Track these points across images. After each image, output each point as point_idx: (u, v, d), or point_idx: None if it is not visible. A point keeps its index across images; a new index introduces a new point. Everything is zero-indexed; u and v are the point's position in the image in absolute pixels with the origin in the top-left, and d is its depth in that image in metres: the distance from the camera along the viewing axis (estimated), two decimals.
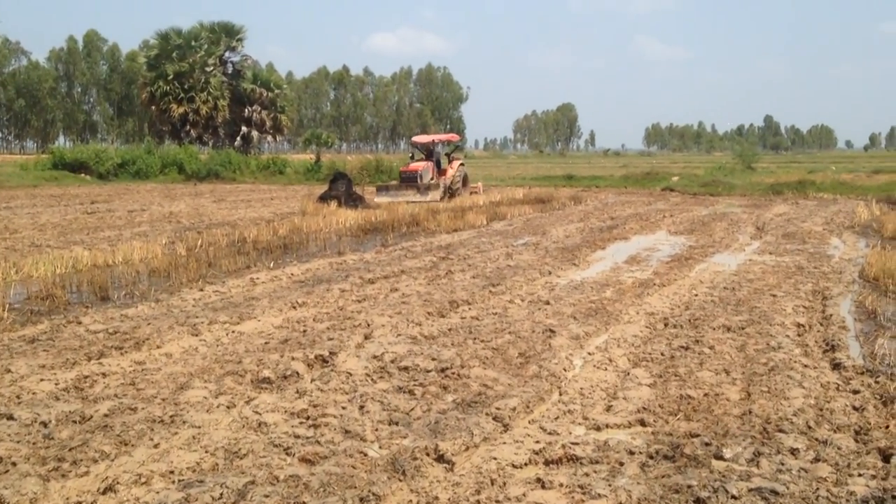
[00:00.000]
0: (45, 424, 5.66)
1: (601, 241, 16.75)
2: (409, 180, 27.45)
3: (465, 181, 29.89)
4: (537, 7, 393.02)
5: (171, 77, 52.43)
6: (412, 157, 30.13)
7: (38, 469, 4.89)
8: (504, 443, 5.46)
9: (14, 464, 4.97)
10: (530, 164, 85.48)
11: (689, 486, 4.70)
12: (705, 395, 6.44)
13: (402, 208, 23.03)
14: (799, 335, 8.59)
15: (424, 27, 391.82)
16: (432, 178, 27.93)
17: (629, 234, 18.47)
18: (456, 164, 29.38)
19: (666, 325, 9.13)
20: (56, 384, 6.61)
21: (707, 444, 5.33)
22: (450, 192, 28.41)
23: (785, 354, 7.60)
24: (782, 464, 5.02)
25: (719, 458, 5.14)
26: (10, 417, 5.74)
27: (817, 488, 4.70)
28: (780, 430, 5.58)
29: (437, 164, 29.09)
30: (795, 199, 30.78)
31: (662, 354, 7.75)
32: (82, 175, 41.36)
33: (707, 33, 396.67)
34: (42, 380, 6.69)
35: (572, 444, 5.37)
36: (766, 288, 11.26)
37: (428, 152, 29.45)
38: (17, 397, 6.26)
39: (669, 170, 51.17)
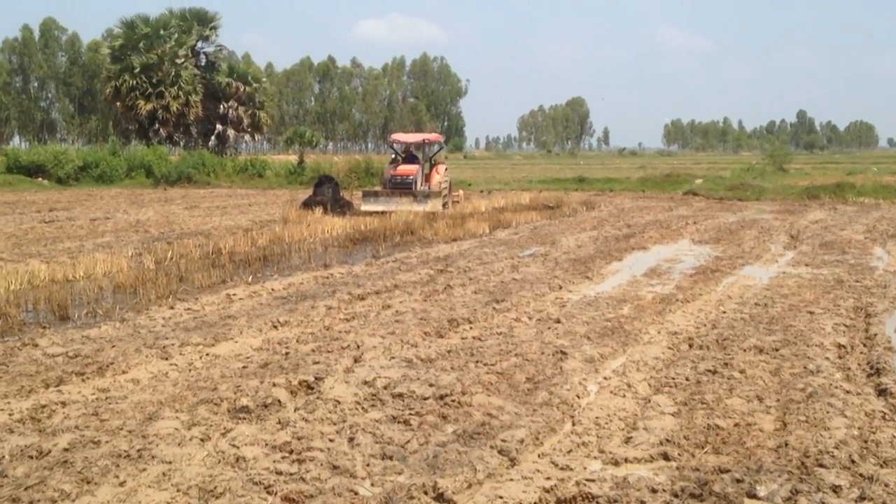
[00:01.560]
0: None
1: (617, 252, 16.75)
2: (402, 186, 26.41)
3: (450, 187, 29.04)
4: None
5: (137, 70, 52.36)
6: (394, 159, 28.93)
7: None
8: (511, 479, 5.44)
9: None
10: (537, 165, 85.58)
11: None
12: (736, 425, 6.41)
13: (395, 215, 22.98)
14: (840, 357, 8.57)
15: (418, 13, 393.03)
16: (423, 185, 27.11)
17: (648, 243, 18.48)
18: (442, 168, 28.59)
19: (691, 345, 9.11)
20: (10, 415, 6.58)
21: (738, 481, 5.31)
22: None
23: (824, 379, 7.58)
24: (823, 503, 4.99)
25: (752, 496, 5.12)
26: None
27: None
28: (820, 465, 5.56)
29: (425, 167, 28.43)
30: (833, 205, 30.82)
31: (687, 379, 7.73)
32: (39, 179, 41.35)
33: (732, 20, 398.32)
34: None
35: (587, 480, 5.35)
36: (802, 304, 11.25)
37: (409, 154, 28.38)
38: None
39: (692, 171, 51.21)
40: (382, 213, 24.14)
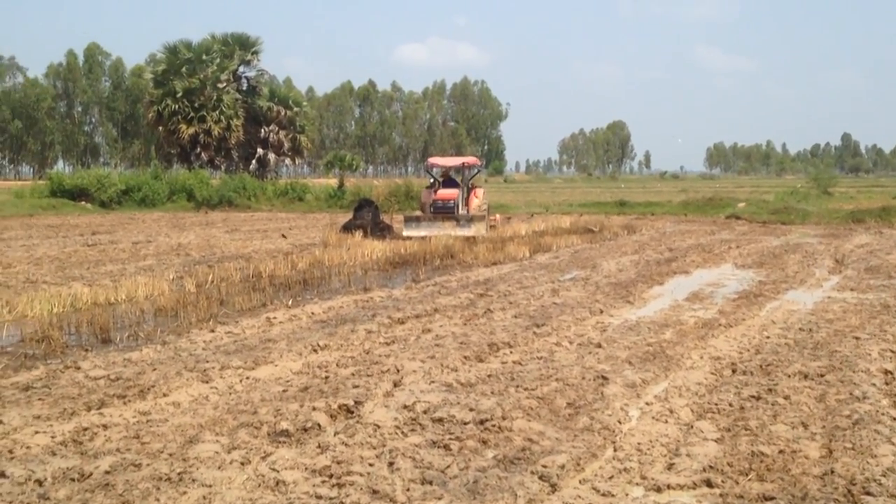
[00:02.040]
0: (40, 483, 5.69)
1: (659, 276, 16.66)
2: (444, 210, 26.43)
3: (488, 212, 28.90)
4: (583, 12, 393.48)
5: (179, 94, 53.11)
6: (432, 184, 28.76)
7: None
8: None
9: None
10: (577, 188, 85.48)
11: None
12: (780, 451, 6.34)
13: (435, 239, 23.02)
14: (886, 384, 8.45)
15: (457, 37, 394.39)
16: (463, 209, 26.99)
17: (690, 267, 18.36)
18: (480, 192, 28.35)
19: (734, 371, 9.03)
20: (52, 437, 6.65)
21: None
22: None
23: (871, 405, 7.47)
24: None
25: None
26: (2, 475, 5.77)
27: None
28: (868, 493, 5.48)
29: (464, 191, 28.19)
30: (879, 229, 30.45)
31: (731, 405, 7.66)
32: (83, 203, 41.96)
33: (775, 41, 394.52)
34: (37, 432, 6.74)
35: None
36: (847, 329, 11.12)
37: (447, 179, 28.28)
38: (10, 452, 6.31)
39: (735, 195, 50.86)
40: (424, 238, 24.06)
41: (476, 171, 31.54)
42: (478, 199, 27.58)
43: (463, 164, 28.70)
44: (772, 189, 62.44)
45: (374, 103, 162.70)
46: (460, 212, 26.40)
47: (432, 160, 30.79)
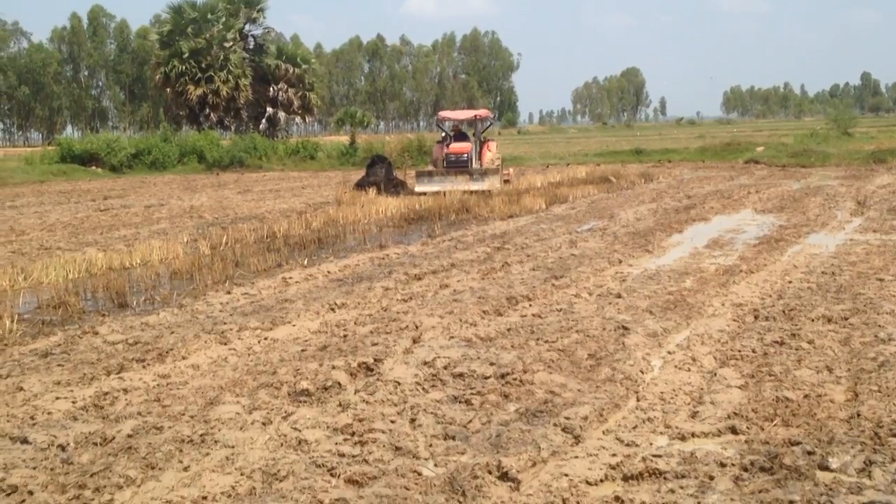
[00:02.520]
0: (63, 448, 5.75)
1: (677, 224, 16.61)
2: (458, 165, 26.07)
3: (501, 166, 28.26)
4: None
5: (186, 55, 52.93)
6: (444, 138, 28.28)
7: (57, 498, 4.97)
8: (576, 457, 5.43)
9: (31, 492, 5.05)
10: (593, 138, 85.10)
11: (791, 502, 4.63)
12: (805, 396, 6.34)
13: (450, 193, 22.95)
14: None
15: None
16: (477, 163, 26.59)
17: (709, 214, 18.30)
18: (493, 145, 28.00)
19: (756, 317, 9.01)
20: (73, 402, 6.71)
21: (810, 453, 5.25)
22: None
23: None
24: None
25: (825, 468, 5.07)
26: (25, 441, 5.83)
27: None
28: (895, 435, 5.48)
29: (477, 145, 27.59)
30: None
31: (754, 351, 7.66)
32: (93, 168, 42.00)
33: None
34: (58, 398, 6.80)
35: (654, 456, 5.33)
36: (871, 271, 11.07)
37: (458, 132, 27.98)
38: (32, 418, 6.37)
39: (753, 139, 50.49)
40: (437, 193, 23.88)
41: (489, 123, 31.02)
42: (491, 153, 27.16)
43: (475, 116, 28.30)
44: (791, 132, 61.95)
45: (384, 58, 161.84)
46: (473, 166, 26.11)
47: (443, 114, 30.48)
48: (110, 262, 13.48)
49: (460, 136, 27.55)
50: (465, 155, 26.24)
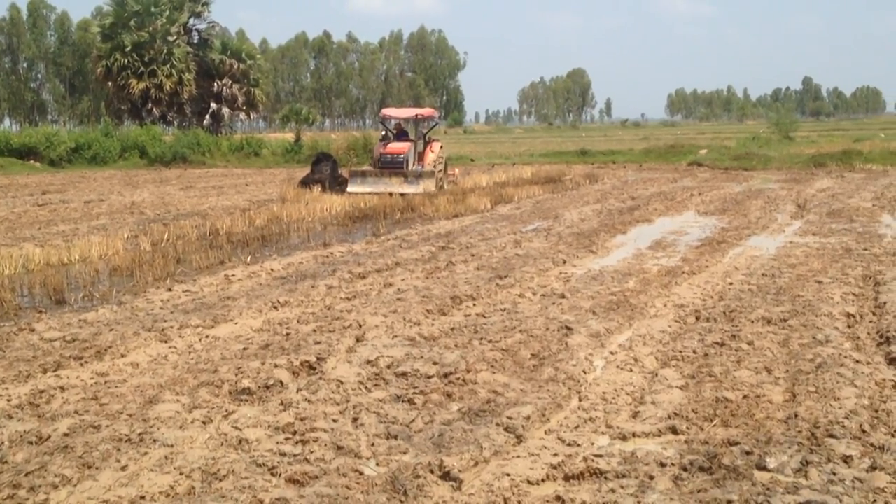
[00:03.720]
0: None
1: (621, 225, 16.75)
2: (392, 165, 24.97)
3: (445, 167, 27.32)
4: None
5: (129, 49, 52.18)
6: (384, 136, 27.28)
7: None
8: (518, 456, 5.46)
9: None
10: (538, 138, 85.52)
11: (729, 502, 4.70)
12: (744, 397, 6.43)
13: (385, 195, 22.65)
14: (849, 326, 8.59)
15: None
16: (416, 164, 25.66)
17: (653, 215, 18.49)
18: (437, 145, 26.90)
19: (698, 318, 9.12)
20: (8, 400, 6.60)
21: (748, 453, 5.33)
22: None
23: (834, 349, 7.60)
24: (834, 473, 5.02)
25: (762, 468, 5.14)
26: None
27: (874, 500, 4.70)
28: (831, 436, 5.58)
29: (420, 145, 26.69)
30: (840, 172, 30.84)
31: (695, 352, 7.75)
32: (31, 162, 41.28)
33: None
34: None
35: (595, 456, 5.37)
36: (810, 274, 11.26)
37: (401, 131, 27.16)
38: None
39: (696, 142, 51.03)
40: (369, 194, 23.06)
41: (434, 123, 30.53)
42: (434, 154, 26.32)
43: (417, 115, 27.62)
44: (733, 135, 62.80)
45: (330, 55, 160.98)
46: (411, 167, 25.15)
47: (385, 111, 29.50)
48: (48, 258, 13.26)
49: (402, 136, 26.91)
50: (401, 155, 25.17)
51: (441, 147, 27.34)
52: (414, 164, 25.52)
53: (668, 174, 32.25)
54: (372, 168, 25.91)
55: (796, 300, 9.66)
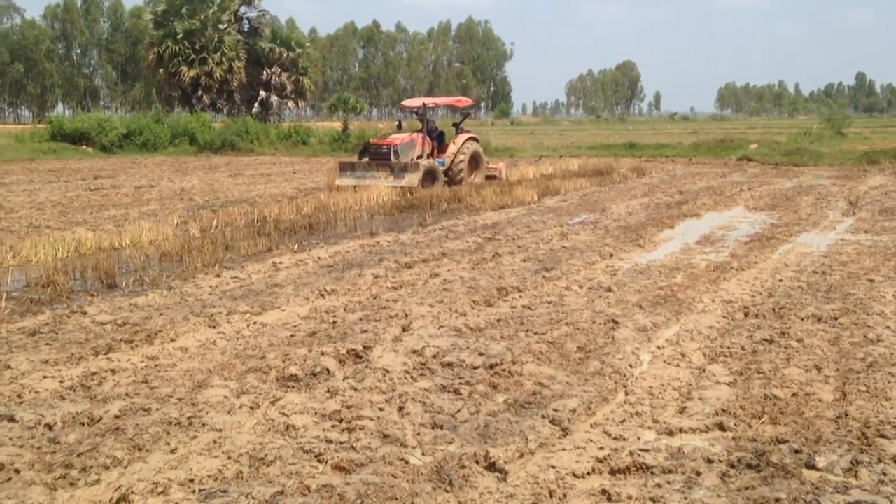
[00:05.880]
0: (50, 427, 5.75)
1: (669, 219, 16.63)
2: (380, 157, 23.12)
3: (475, 161, 25.00)
4: None
5: (180, 36, 52.67)
6: (399, 126, 26.34)
7: (43, 477, 4.97)
8: (563, 449, 5.45)
9: (17, 471, 5.04)
10: (586, 130, 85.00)
11: (777, 500, 4.66)
12: (794, 395, 6.37)
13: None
14: None
15: None
16: (421, 156, 23.49)
17: (701, 210, 18.32)
18: (462, 138, 24.66)
19: (746, 314, 9.04)
20: (61, 382, 6.70)
21: (797, 452, 5.28)
22: (448, 177, 23.96)
23: (885, 348, 7.49)
24: (885, 473, 4.95)
25: (811, 467, 5.09)
26: (12, 419, 5.83)
27: None
28: (882, 436, 5.50)
29: (437, 136, 24.80)
30: (894, 169, 30.31)
31: (743, 349, 7.69)
32: (84, 147, 41.86)
33: None
34: (45, 377, 6.80)
35: (641, 450, 5.35)
36: (861, 272, 11.11)
37: (422, 120, 24.84)
38: (19, 396, 6.36)
39: (746, 136, 50.58)
40: (354, 187, 21.84)
41: (465, 114, 28.57)
42: (455, 146, 24.37)
43: (423, 104, 25.02)
44: (784, 130, 62.04)
45: (379, 44, 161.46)
46: (400, 160, 22.85)
47: (405, 102, 27.34)
48: (100, 243, 13.45)
49: (427, 126, 24.69)
50: (391, 147, 23.04)
51: (470, 140, 25.07)
52: (420, 157, 23.44)
53: (717, 169, 31.95)
54: (361, 160, 24.07)
55: (847, 298, 9.53)
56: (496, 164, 27.46)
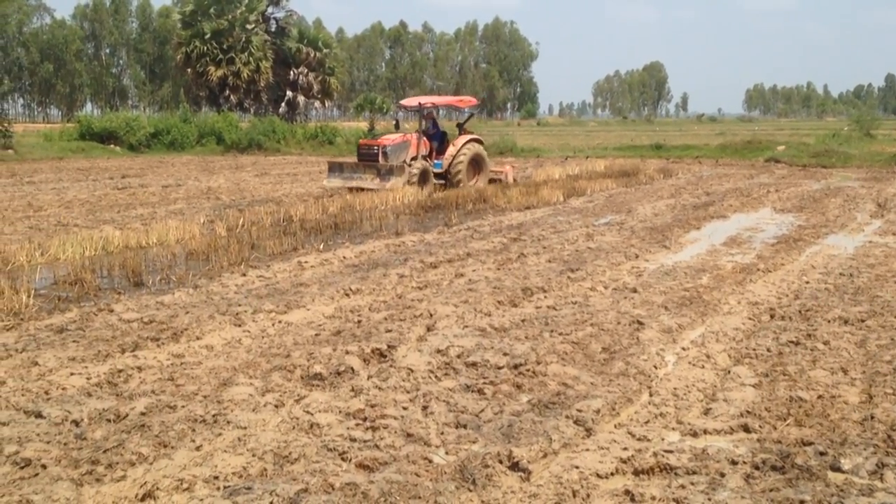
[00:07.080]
0: (76, 423, 5.80)
1: (695, 220, 16.56)
2: (367, 158, 22.25)
3: (477, 164, 23.99)
4: None
5: (208, 36, 52.91)
6: (397, 126, 25.99)
7: (70, 473, 5.01)
8: (587, 449, 5.45)
9: (44, 466, 5.10)
10: (613, 131, 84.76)
11: (802, 502, 4.64)
12: (819, 397, 6.34)
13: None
14: None
15: None
16: (415, 157, 22.55)
17: (728, 211, 18.24)
18: (462, 139, 23.67)
19: (772, 316, 9.00)
20: (88, 379, 6.76)
21: (822, 454, 5.25)
22: (446, 179, 23.30)
23: None
24: None
25: (836, 469, 5.07)
26: (39, 415, 5.89)
27: None
28: None
29: (438, 137, 23.86)
30: None
31: (769, 350, 7.65)
32: (112, 146, 42.15)
33: None
34: (72, 374, 6.86)
35: (665, 451, 5.34)
36: (889, 274, 11.03)
37: (432, 121, 24.12)
38: (46, 393, 6.43)
39: (774, 138, 50.27)
40: (341, 188, 21.72)
41: (468, 114, 27.40)
42: (454, 148, 23.43)
43: (419, 104, 23.72)
44: (812, 132, 61.63)
45: (405, 45, 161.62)
46: (387, 162, 21.91)
47: (404, 101, 26.14)
48: (127, 241, 13.54)
49: (433, 126, 24.07)
50: (379, 148, 22.10)
51: (472, 141, 23.96)
52: (414, 158, 22.52)
53: (745, 170, 31.78)
54: (350, 161, 23.55)
55: (874, 301, 9.47)
56: (502, 167, 26.42)
